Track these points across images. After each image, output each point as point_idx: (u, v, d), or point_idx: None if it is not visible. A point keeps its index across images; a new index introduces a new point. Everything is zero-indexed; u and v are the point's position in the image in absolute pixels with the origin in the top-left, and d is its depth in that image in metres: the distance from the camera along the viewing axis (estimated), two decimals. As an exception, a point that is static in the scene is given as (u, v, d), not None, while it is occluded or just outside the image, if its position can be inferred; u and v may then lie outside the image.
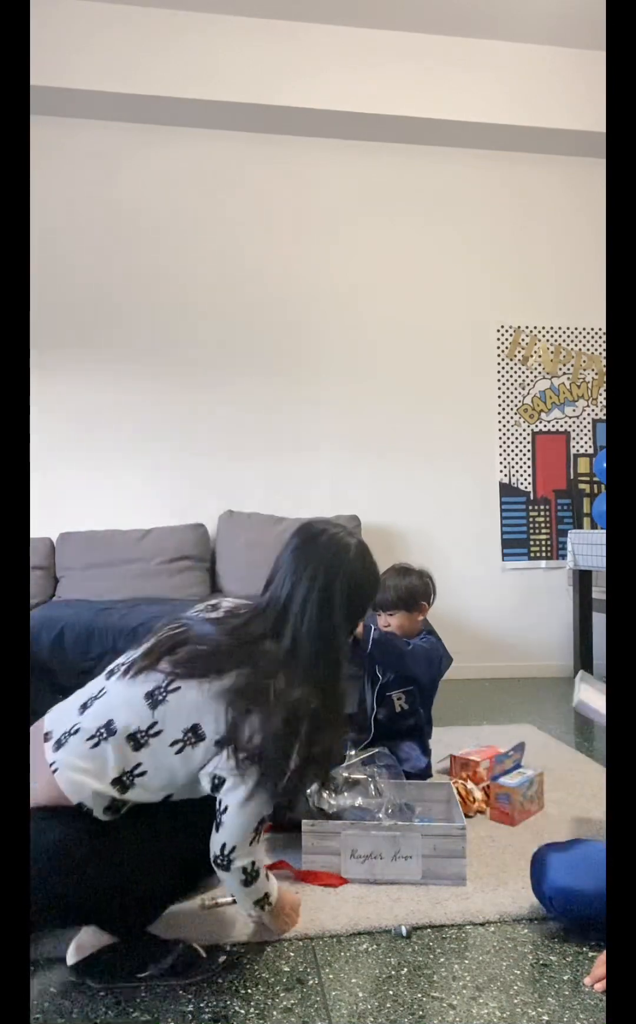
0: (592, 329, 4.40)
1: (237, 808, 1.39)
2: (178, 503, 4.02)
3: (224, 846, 1.41)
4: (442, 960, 1.50)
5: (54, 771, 1.38)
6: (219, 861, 1.42)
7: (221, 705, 1.38)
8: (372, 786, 1.97)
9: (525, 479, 4.36)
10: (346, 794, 1.94)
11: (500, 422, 4.34)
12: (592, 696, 2.27)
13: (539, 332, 4.37)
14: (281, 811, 1.97)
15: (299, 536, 1.55)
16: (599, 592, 3.97)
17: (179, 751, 1.39)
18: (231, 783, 1.39)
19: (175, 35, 3.78)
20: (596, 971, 1.41)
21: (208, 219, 4.13)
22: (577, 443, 4.41)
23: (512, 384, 4.36)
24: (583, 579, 3.78)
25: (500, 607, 4.30)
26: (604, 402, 4.42)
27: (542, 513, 4.37)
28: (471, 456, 4.31)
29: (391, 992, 1.39)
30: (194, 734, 1.39)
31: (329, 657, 1.47)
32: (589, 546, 3.62)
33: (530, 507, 4.36)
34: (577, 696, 2.29)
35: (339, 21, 3.87)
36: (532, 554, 4.34)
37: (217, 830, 1.41)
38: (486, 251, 4.34)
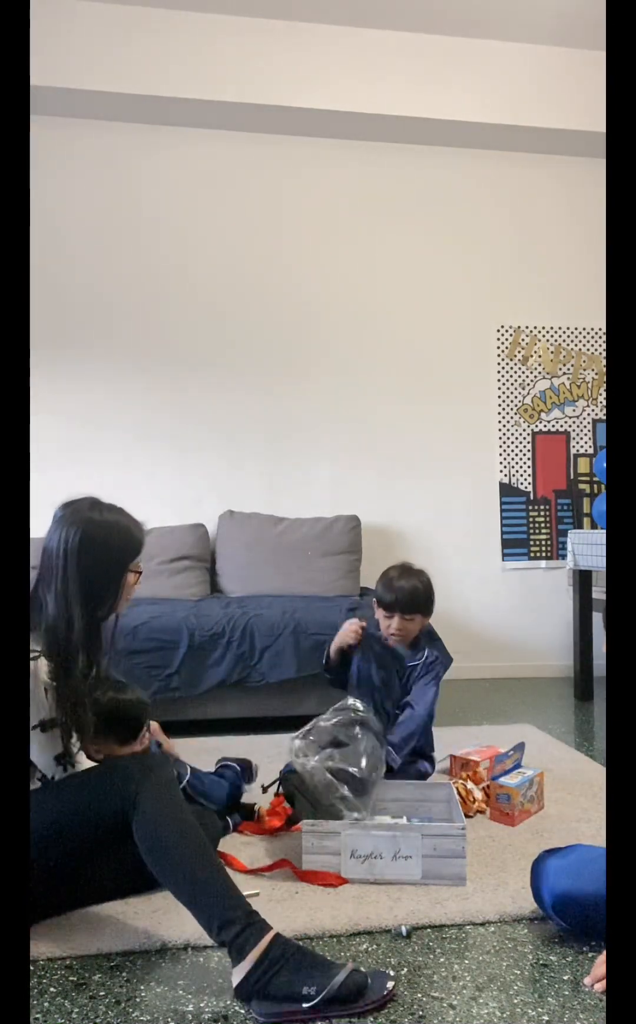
0: (592, 329, 4.40)
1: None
2: (178, 503, 4.02)
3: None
4: (442, 960, 1.50)
5: None
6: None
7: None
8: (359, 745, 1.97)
9: (525, 479, 4.36)
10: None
11: (500, 422, 4.34)
12: None
13: (539, 332, 4.37)
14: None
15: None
16: (599, 592, 3.97)
17: None
18: None
19: (176, 35, 3.78)
20: (596, 971, 1.41)
21: (208, 219, 4.13)
22: (577, 443, 4.41)
23: (512, 384, 4.36)
24: (583, 579, 3.78)
25: (500, 607, 4.30)
26: (604, 402, 4.42)
27: (542, 513, 4.37)
28: (471, 456, 4.31)
29: (391, 992, 1.39)
30: None
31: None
32: (589, 546, 3.62)
33: (530, 507, 4.36)
34: None
35: (339, 21, 3.87)
36: (532, 554, 4.34)
37: None
38: (486, 251, 4.34)
